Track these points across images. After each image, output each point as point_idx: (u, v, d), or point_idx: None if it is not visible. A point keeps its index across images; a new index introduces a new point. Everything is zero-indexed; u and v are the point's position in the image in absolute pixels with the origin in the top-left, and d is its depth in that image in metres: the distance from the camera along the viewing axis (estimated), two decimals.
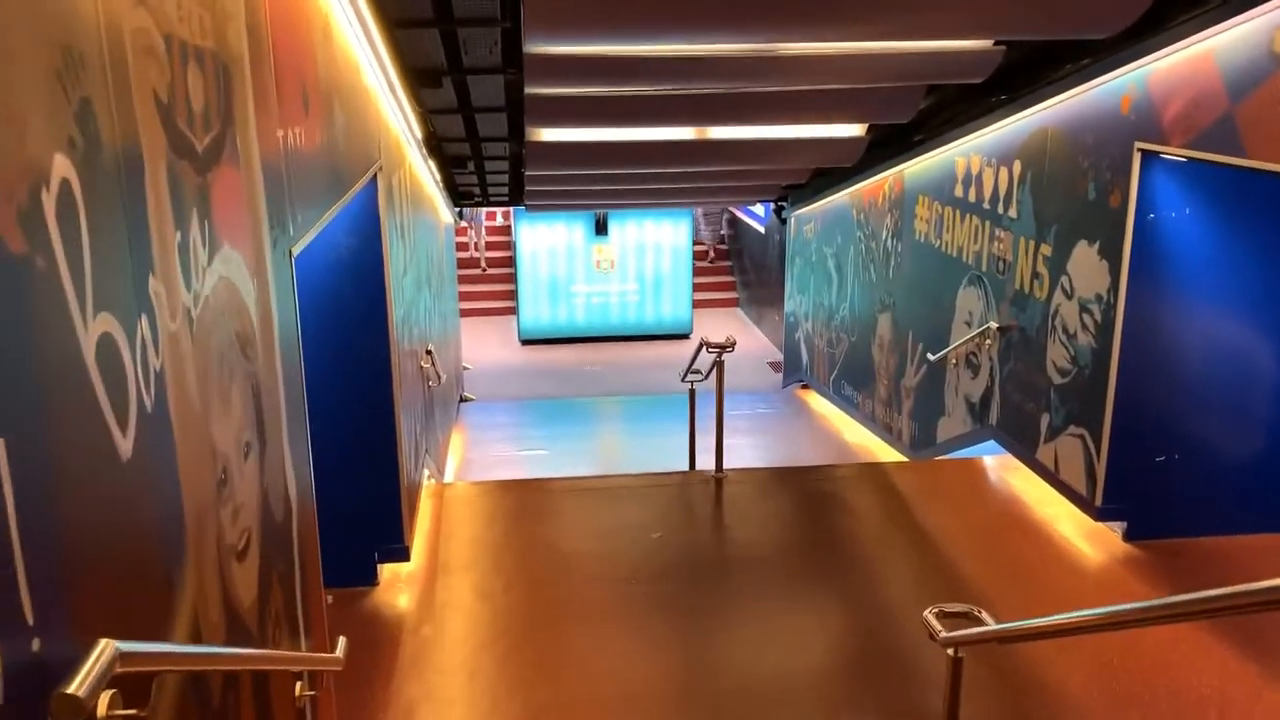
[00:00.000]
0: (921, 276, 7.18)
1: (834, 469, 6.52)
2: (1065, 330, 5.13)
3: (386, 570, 4.59)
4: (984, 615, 2.47)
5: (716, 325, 15.16)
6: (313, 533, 2.36)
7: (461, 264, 15.83)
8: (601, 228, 14.36)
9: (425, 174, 6.86)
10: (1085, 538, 5.01)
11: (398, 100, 4.69)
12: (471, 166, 7.88)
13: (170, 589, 1.37)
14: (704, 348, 5.73)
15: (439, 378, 6.26)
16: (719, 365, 5.65)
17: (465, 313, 15.28)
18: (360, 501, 4.37)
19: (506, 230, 16.88)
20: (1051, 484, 5.32)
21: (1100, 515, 4.96)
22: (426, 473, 6.10)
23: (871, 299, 8.30)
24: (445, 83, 4.88)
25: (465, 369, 12.37)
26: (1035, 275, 5.42)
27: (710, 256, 17.28)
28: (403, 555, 4.54)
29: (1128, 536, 4.93)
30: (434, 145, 6.74)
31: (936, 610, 2.47)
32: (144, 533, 1.29)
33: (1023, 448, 5.62)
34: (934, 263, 6.87)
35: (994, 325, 5.90)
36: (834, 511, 5.55)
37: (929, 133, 6.69)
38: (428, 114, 5.74)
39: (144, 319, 1.29)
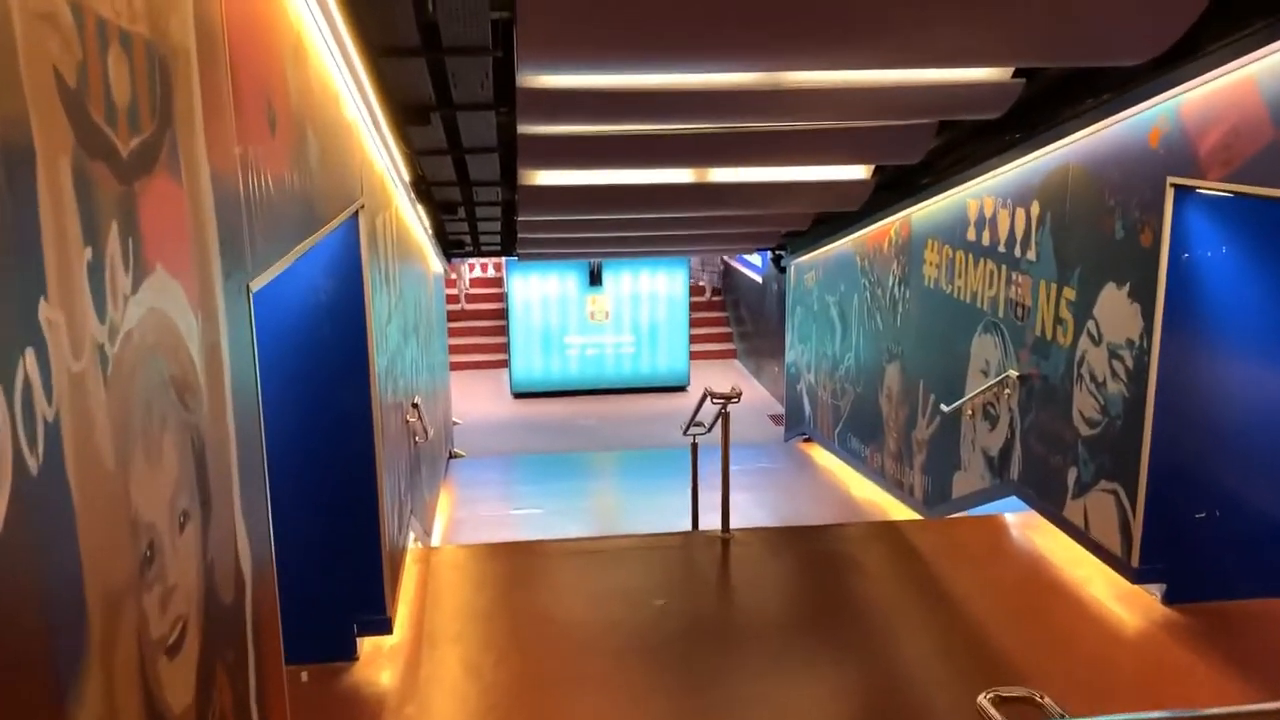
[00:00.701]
0: (932, 324, 6.93)
1: (846, 528, 6.20)
2: (1093, 378, 4.86)
3: (367, 643, 4.25)
4: (1048, 701, 2.16)
5: (714, 377, 14.87)
6: (272, 614, 2.06)
7: (451, 315, 15.59)
8: (596, 278, 14.16)
9: (414, 220, 6.63)
10: (1121, 601, 4.69)
11: (383, 138, 4.46)
12: (462, 213, 7.66)
13: (59, 706, 1.06)
14: (708, 398, 5.45)
15: (426, 433, 5.96)
16: (724, 417, 5.37)
17: (456, 365, 15.01)
18: (338, 569, 4.05)
19: (499, 282, 16.68)
20: (1082, 543, 5.02)
21: (1137, 577, 4.65)
22: (412, 536, 5.77)
23: (878, 348, 8.05)
24: (434, 120, 4.65)
25: (455, 423, 12.06)
26: (1058, 320, 5.17)
27: (707, 294, 17.10)
28: (385, 627, 4.20)
29: (1167, 599, 4.62)
30: (423, 190, 6.51)
31: (992, 695, 2.16)
32: (18, 633, 0.99)
33: (1048, 504, 5.32)
34: (945, 309, 6.63)
35: (1013, 374, 5.63)
36: (848, 575, 5.23)
37: (939, 174, 6.49)
38: (416, 155, 5.51)
39: (29, 355, 1.01)
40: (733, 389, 5.40)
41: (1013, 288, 5.66)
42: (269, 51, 2.25)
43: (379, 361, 4.24)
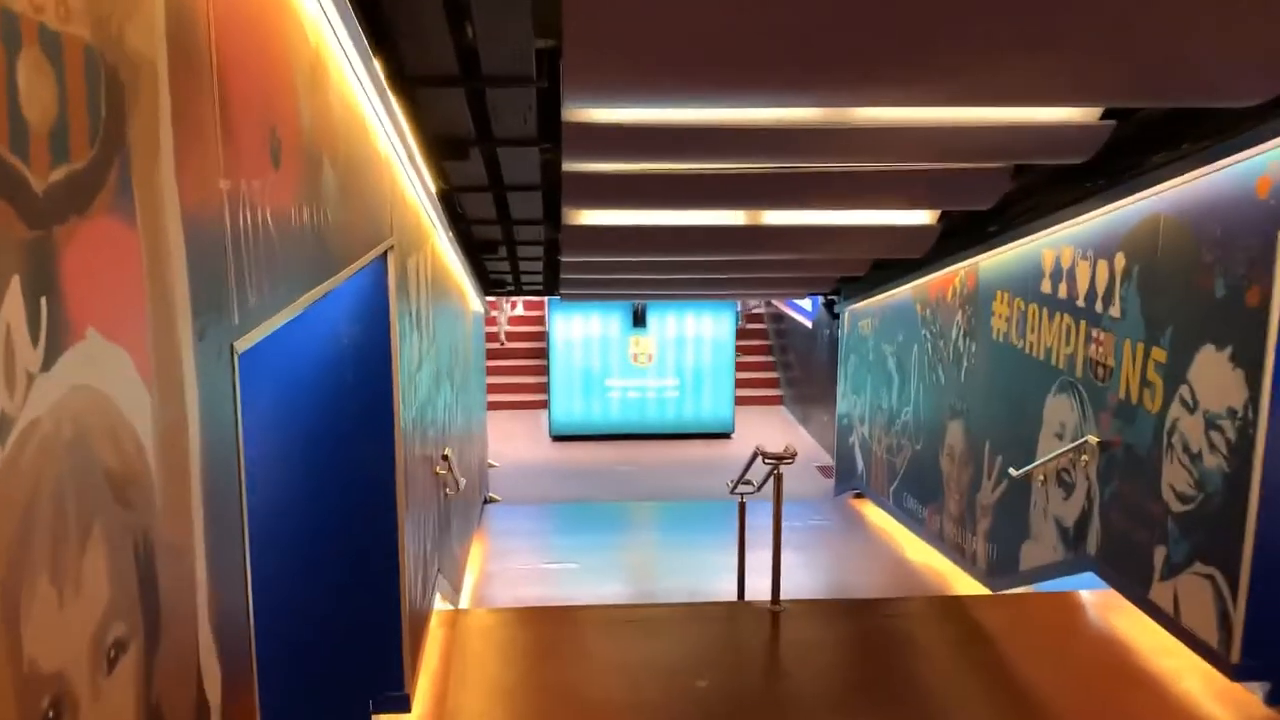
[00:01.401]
0: (1000, 381, 6.53)
1: (907, 602, 5.78)
2: (1186, 449, 4.44)
3: None
4: None
5: (759, 425, 14.51)
6: None
7: (490, 354, 15.38)
8: (640, 319, 13.86)
9: (452, 257, 6.38)
10: (1218, 699, 4.24)
11: (418, 172, 4.20)
12: (504, 252, 7.41)
13: None
14: (759, 457, 5.09)
15: (458, 484, 5.66)
16: (777, 479, 5.01)
17: (494, 405, 14.77)
18: (354, 641, 3.74)
19: (540, 320, 16.46)
20: (1171, 631, 4.57)
21: (1237, 674, 4.20)
22: (439, 596, 5.45)
23: (940, 404, 7.64)
24: (473, 155, 4.39)
25: (491, 466, 11.78)
26: (1145, 384, 4.76)
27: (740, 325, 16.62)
28: (403, 705, 3.87)
29: (1271, 700, 4.16)
30: (462, 227, 6.27)
31: None
32: None
33: (1132, 584, 4.88)
34: (1016, 366, 6.23)
35: (1093, 439, 5.22)
36: (910, 657, 4.82)
37: (1011, 221, 6.12)
38: (454, 191, 5.27)
39: None
40: (786, 449, 5.04)
41: (1093, 346, 5.26)
42: (275, 70, 1.97)
43: (406, 413, 3.95)
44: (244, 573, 1.72)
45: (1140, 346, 4.80)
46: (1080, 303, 5.40)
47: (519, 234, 6.61)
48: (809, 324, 14.52)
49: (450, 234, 5.78)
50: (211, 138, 1.56)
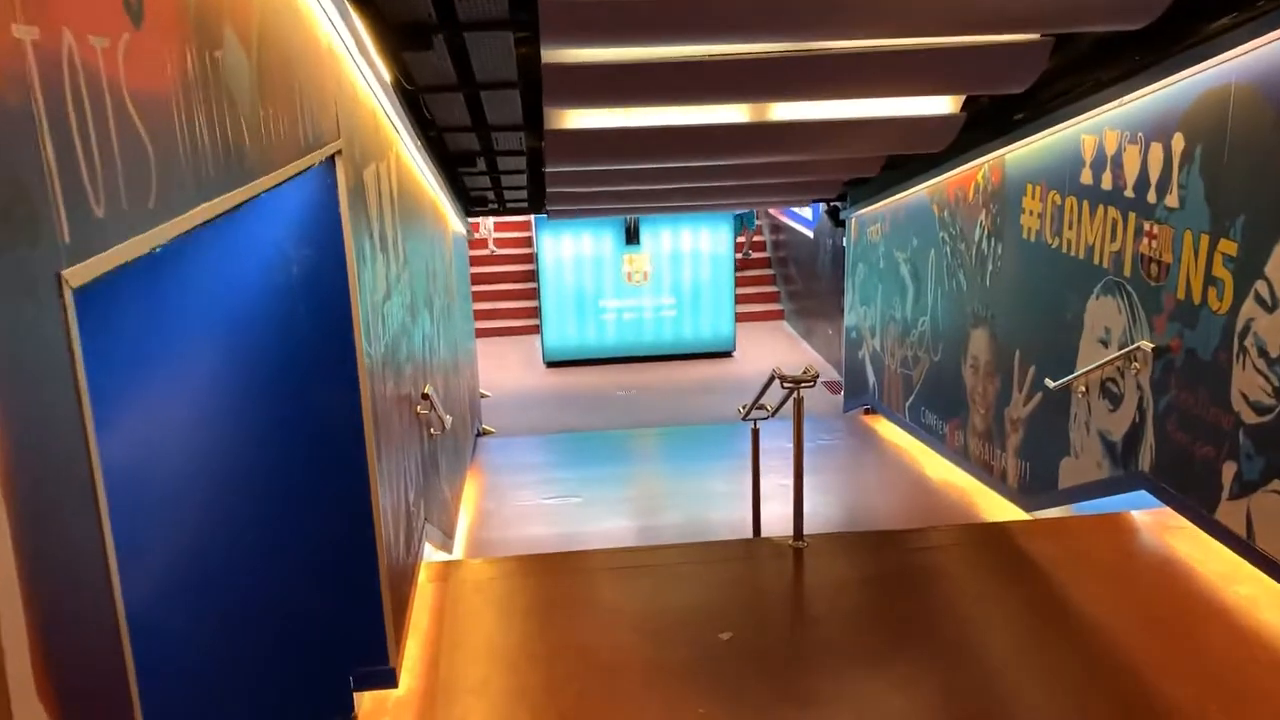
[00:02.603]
0: (1032, 284, 6.01)
1: (941, 532, 5.34)
2: (1263, 353, 3.95)
3: (367, 699, 3.49)
4: None
5: (761, 342, 14.03)
6: None
7: (478, 278, 14.81)
8: (633, 236, 13.26)
9: (424, 171, 5.79)
10: None
11: (373, 67, 3.61)
12: (483, 165, 6.81)
13: None
14: (776, 380, 4.60)
15: (443, 423, 5.17)
16: (797, 404, 4.52)
17: (484, 332, 14.25)
18: (328, 612, 3.28)
19: (528, 242, 15.85)
20: (1244, 555, 4.13)
21: None
22: (429, 547, 5.01)
23: (961, 311, 7.13)
24: (437, 44, 3.80)
25: (483, 396, 11.30)
26: (1211, 281, 4.24)
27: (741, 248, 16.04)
28: (388, 680, 3.43)
29: None
30: (433, 136, 5.67)
31: None
32: None
33: (1195, 504, 4.44)
34: (1050, 267, 5.70)
35: (1146, 345, 4.72)
36: (953, 595, 4.39)
37: (1044, 105, 5.53)
38: (421, 93, 4.67)
39: None
40: (806, 370, 4.54)
41: (1145, 240, 4.73)
42: None
43: (372, 349, 3.43)
44: (103, 567, 1.22)
45: (1204, 239, 4.27)
46: (1128, 193, 4.85)
47: (498, 142, 6.01)
48: (810, 234, 13.94)
49: (420, 144, 5.19)
50: None
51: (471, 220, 11.64)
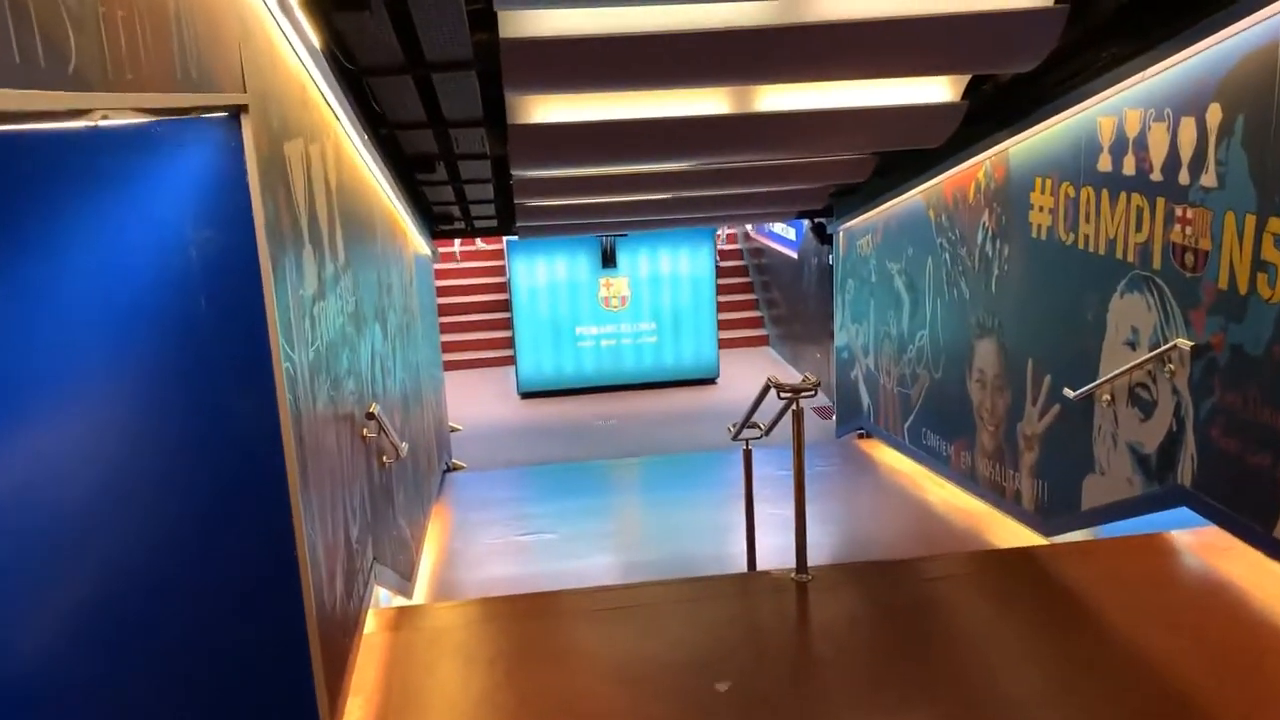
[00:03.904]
0: (1044, 286, 5.55)
1: (958, 559, 4.85)
2: None
3: None
4: None
5: (746, 368, 13.56)
6: None
7: (448, 308, 14.31)
8: (609, 258, 12.78)
9: (379, 176, 5.30)
10: None
11: (298, 30, 3.12)
12: (443, 172, 6.32)
13: None
14: (772, 390, 4.09)
15: (397, 450, 4.63)
16: (796, 416, 4.01)
17: (456, 364, 13.73)
18: (242, 670, 2.73)
19: (500, 270, 15.36)
20: None
21: None
22: (383, 592, 4.47)
23: (964, 322, 6.67)
24: (375, 6, 3.31)
25: (454, 430, 10.75)
26: (1260, 266, 3.79)
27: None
28: None
29: None
30: (384, 134, 5.18)
31: None
32: None
33: (1248, 520, 3.95)
34: (1065, 266, 5.25)
35: (1183, 343, 4.26)
36: (979, 632, 3.87)
37: (1054, 88, 5.10)
38: (364, 75, 4.18)
39: None
40: (805, 379, 4.04)
41: (1177, 227, 4.28)
42: None
43: (298, 354, 2.91)
44: None
45: (1250, 220, 3.82)
46: (1155, 176, 4.41)
47: (458, 143, 5.51)
48: (793, 254, 13.52)
49: (369, 140, 4.70)
50: None
51: (439, 242, 11.14)
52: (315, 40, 3.25)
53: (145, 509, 2.50)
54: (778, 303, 14.81)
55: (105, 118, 1.71)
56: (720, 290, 13.80)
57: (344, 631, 3.34)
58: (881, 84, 5.27)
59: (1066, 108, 5.03)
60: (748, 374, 13.10)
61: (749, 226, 16.26)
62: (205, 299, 2.57)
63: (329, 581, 3.12)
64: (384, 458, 4.65)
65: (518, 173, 6.29)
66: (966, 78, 5.34)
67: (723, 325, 13.96)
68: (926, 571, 4.56)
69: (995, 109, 5.57)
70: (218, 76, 2.33)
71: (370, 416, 4.01)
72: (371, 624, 3.97)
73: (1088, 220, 5.00)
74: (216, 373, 2.60)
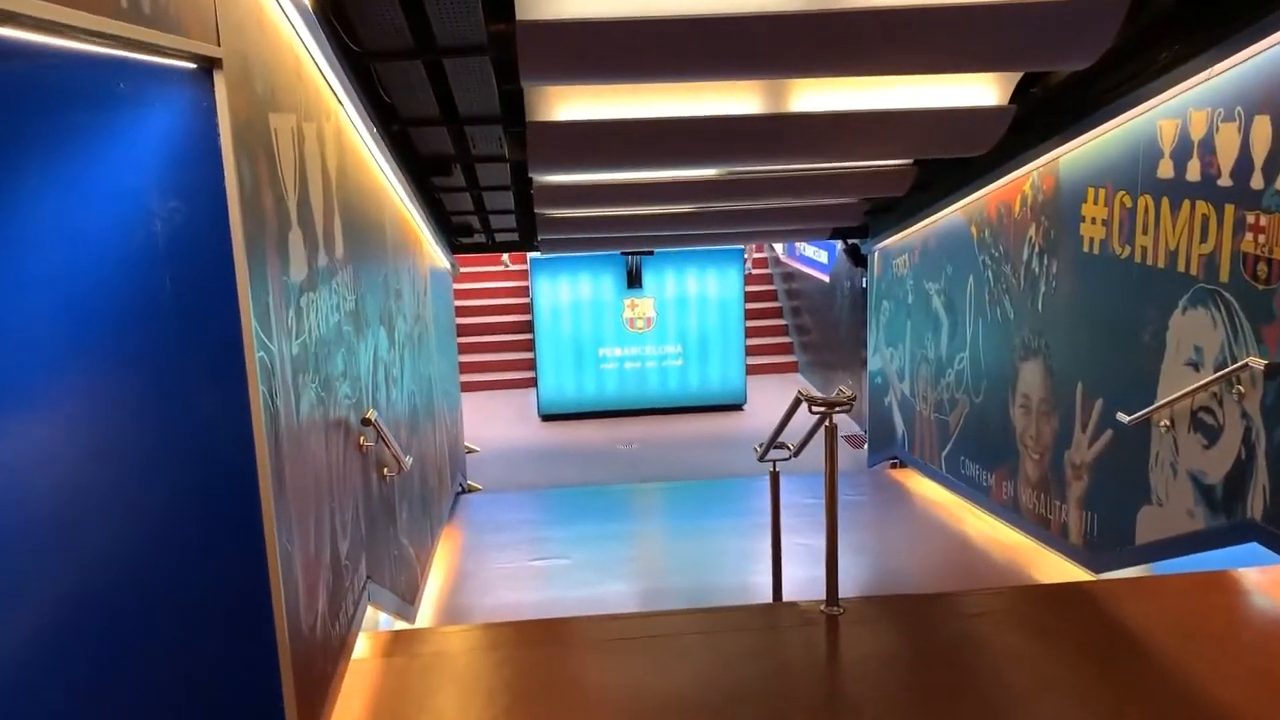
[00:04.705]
0: (1097, 303, 5.22)
1: (1005, 594, 4.50)
2: None
3: None
4: None
5: (774, 394, 13.22)
6: None
7: (470, 329, 14.12)
8: (635, 279, 12.51)
9: (390, 175, 5.07)
10: None
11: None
12: (460, 176, 6.09)
13: None
14: (803, 405, 3.78)
15: (400, 462, 4.36)
16: (829, 432, 3.70)
17: (476, 385, 13.50)
18: (198, 691, 2.45)
19: (524, 291, 15.14)
20: None
21: None
22: (386, 618, 4.19)
23: (1007, 343, 6.33)
24: None
25: (470, 450, 10.48)
26: None
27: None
28: None
29: None
30: (396, 131, 4.95)
31: None
32: None
33: None
34: (1120, 281, 4.92)
35: (1256, 362, 3.92)
36: (1026, 671, 3.53)
37: (1108, 92, 4.80)
38: (370, 60, 3.95)
39: None
40: (840, 391, 3.74)
41: (1248, 236, 3.96)
42: None
43: (277, 344, 2.65)
44: None
45: None
46: (1224, 181, 4.09)
47: (475, 142, 5.28)
48: (825, 278, 13.21)
49: (380, 136, 4.46)
50: None
51: (461, 260, 10.91)
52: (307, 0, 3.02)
53: (95, 513, 2.23)
54: (808, 328, 14.49)
55: (15, 24, 1.45)
56: (748, 315, 13.50)
57: (326, 656, 3.05)
58: (924, 84, 5.00)
59: (1123, 111, 4.73)
60: (776, 400, 12.75)
61: (779, 250, 15.98)
62: (170, 278, 2.32)
63: (308, 599, 2.84)
64: (385, 470, 4.38)
65: (538, 178, 6.05)
66: (1015, 80, 5.05)
67: (751, 351, 13.65)
68: (967, 606, 4.22)
69: (1044, 115, 5.27)
70: (183, 21, 2.09)
71: (367, 423, 3.74)
72: (364, 649, 3.68)
73: (1145, 231, 4.68)
74: (181, 359, 2.34)
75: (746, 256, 14.88)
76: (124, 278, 2.27)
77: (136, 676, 2.30)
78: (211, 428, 2.37)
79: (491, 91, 4.51)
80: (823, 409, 3.66)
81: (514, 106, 4.89)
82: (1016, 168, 5.90)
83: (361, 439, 3.84)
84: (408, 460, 4.59)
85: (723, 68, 4.25)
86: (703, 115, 4.92)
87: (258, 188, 2.55)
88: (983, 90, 5.14)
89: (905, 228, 8.06)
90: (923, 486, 8.22)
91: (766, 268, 16.60)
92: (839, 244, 10.95)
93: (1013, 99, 5.14)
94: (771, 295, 16.22)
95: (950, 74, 4.77)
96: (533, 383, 13.25)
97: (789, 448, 4.88)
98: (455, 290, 11.35)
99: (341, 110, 3.80)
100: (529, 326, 13.83)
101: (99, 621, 2.22)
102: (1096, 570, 5.35)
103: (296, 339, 2.88)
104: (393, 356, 4.91)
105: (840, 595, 3.96)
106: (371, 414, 3.81)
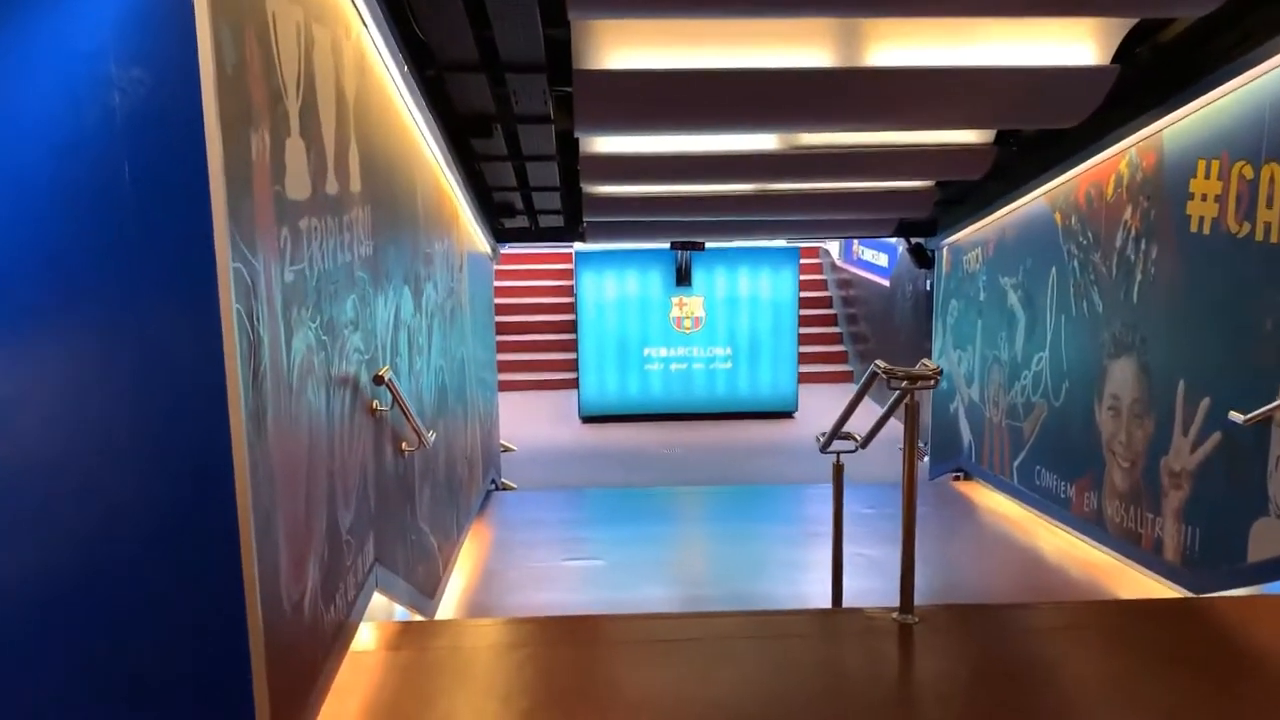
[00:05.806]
0: (1204, 290, 4.70)
1: (1089, 608, 4.00)
2: None
3: None
4: None
5: (827, 404, 12.70)
6: None
7: (509, 327, 13.80)
8: (684, 276, 12.08)
9: (429, 137, 4.72)
10: None
11: None
12: (500, 139, 5.70)
13: None
14: (880, 378, 3.32)
15: (421, 436, 3.96)
16: (909, 410, 3.23)
17: (515, 384, 13.15)
18: (143, 671, 2.04)
19: (568, 290, 14.79)
20: None
21: None
22: (401, 610, 3.78)
23: (1094, 340, 5.80)
24: None
25: (506, 449, 10.10)
26: None
27: None
28: None
29: None
30: (431, 78, 4.57)
31: None
32: None
33: None
34: (1236, 264, 4.40)
35: None
36: (1126, 693, 3.03)
37: (1230, 48, 4.29)
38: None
39: None
40: (923, 364, 3.28)
41: None
42: None
43: (262, 263, 2.25)
44: None
45: None
46: None
47: (517, 98, 4.88)
48: (885, 282, 12.71)
49: (414, 80, 4.09)
50: None
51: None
52: None
53: (29, 445, 1.85)
54: (865, 336, 13.96)
55: None
56: (802, 321, 13.01)
57: (315, 641, 2.64)
58: (1011, 39, 4.52)
59: (1248, 68, 4.21)
60: (829, 409, 12.21)
61: (835, 256, 15.49)
62: (130, 165, 1.92)
63: (294, 570, 2.42)
64: (404, 444, 3.97)
65: (585, 142, 5.65)
66: (1118, 36, 4.56)
67: (804, 358, 13.15)
68: (1052, 619, 3.73)
69: (1151, 79, 4.76)
70: None
71: (380, 381, 3.34)
72: (366, 639, 3.27)
73: (1270, 205, 4.16)
74: (139, 268, 1.94)
75: (800, 262, 14.40)
76: (74, 162, 1.88)
77: (74, 640, 1.90)
78: (172, 341, 1.97)
79: (536, 34, 4.11)
80: (904, 383, 3.19)
81: (560, 58, 4.51)
82: (1113, 143, 5.38)
83: (375, 403, 3.44)
84: (430, 436, 4.18)
85: (801, 9, 3.80)
86: (768, 68, 4.48)
87: (244, 69, 2.16)
88: (1080, 50, 4.65)
89: (980, 218, 7.56)
90: (991, 500, 7.68)
91: (821, 273, 16.11)
92: (901, 245, 10.47)
93: (1116, 56, 4.64)
94: (826, 302, 15.73)
95: (1054, 16, 4.26)
96: (574, 384, 12.87)
97: (855, 438, 4.41)
98: (496, 288, 11.02)
99: (365, 33, 3.42)
100: (571, 326, 13.47)
101: (31, 571, 1.84)
102: (1196, 591, 4.80)
103: (292, 265, 2.48)
104: (418, 323, 4.51)
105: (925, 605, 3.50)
106: (386, 371, 3.40)
